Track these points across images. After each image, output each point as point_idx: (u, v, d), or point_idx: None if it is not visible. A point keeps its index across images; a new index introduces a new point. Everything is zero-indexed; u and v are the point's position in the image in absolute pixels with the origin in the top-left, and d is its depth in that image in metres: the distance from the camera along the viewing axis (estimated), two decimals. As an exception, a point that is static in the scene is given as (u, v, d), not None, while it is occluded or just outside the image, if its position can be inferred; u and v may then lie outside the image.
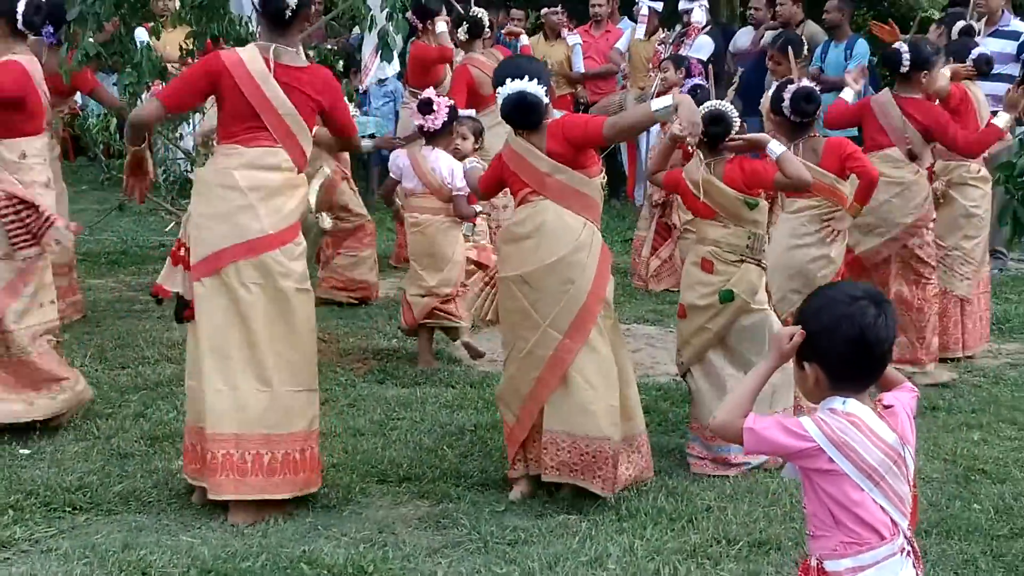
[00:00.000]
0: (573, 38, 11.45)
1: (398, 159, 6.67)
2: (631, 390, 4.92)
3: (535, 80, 4.67)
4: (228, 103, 4.58)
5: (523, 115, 4.71)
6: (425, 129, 6.51)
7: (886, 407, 2.79)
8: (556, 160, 4.67)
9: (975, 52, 7.18)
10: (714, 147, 5.14)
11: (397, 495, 4.86)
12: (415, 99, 8.77)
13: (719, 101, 5.14)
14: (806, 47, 8.45)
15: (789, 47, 6.99)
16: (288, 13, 4.57)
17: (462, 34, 8.94)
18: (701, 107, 5.00)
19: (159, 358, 6.66)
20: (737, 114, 5.14)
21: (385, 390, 6.26)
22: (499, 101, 4.74)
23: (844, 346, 2.73)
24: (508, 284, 4.81)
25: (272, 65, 4.55)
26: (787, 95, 5.68)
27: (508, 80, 4.69)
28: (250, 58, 4.57)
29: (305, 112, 4.62)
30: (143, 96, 6.90)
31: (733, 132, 5.11)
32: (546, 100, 4.72)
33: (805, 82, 5.85)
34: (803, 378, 2.83)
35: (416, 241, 6.58)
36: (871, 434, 2.71)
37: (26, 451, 5.22)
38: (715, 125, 5.03)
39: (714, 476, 5.07)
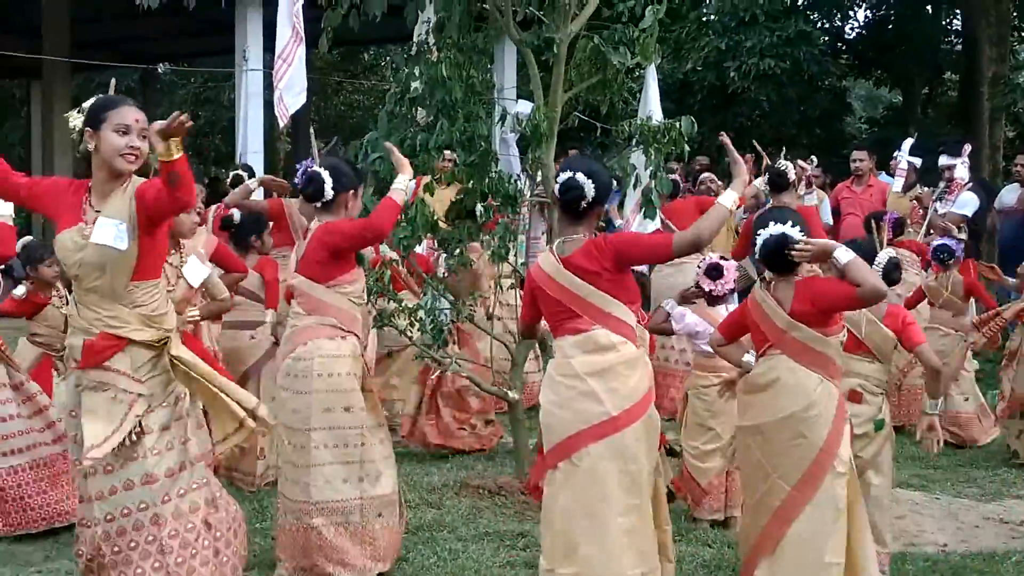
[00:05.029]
0: (811, 198, 10.91)
1: (689, 319, 6.28)
2: (864, 550, 4.74)
3: (797, 227, 4.72)
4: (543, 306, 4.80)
5: (779, 259, 4.75)
6: (714, 294, 6.33)
7: None
8: (798, 319, 4.70)
9: None
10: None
11: (655, 656, 4.79)
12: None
13: None
14: None
15: None
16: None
17: (761, 184, 9.09)
18: None
19: (419, 502, 6.78)
20: None
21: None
22: (758, 244, 4.80)
23: None
24: (745, 433, 4.91)
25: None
26: None
27: (771, 223, 4.77)
28: (544, 260, 4.75)
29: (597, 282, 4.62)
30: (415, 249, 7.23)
31: None
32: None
33: None
34: None
35: (701, 404, 6.42)
36: None
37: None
38: None
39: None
